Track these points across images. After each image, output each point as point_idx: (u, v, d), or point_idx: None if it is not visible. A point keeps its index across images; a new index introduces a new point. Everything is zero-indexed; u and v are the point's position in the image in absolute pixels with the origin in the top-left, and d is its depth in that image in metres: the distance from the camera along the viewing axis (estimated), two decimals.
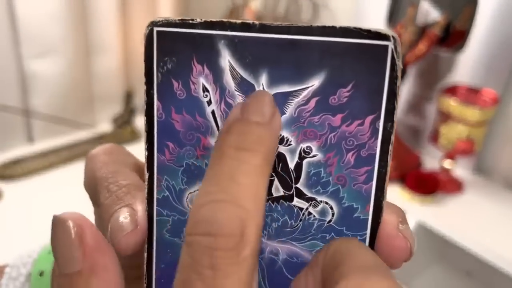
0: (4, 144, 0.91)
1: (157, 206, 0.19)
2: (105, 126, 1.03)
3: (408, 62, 0.82)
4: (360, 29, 0.16)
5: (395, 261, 0.17)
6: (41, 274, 0.26)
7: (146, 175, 0.19)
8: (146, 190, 0.19)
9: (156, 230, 0.19)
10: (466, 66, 0.82)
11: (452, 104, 0.74)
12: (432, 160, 0.88)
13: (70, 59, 0.92)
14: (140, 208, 0.19)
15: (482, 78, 0.80)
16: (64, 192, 0.79)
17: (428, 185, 0.77)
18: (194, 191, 0.18)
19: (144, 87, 0.18)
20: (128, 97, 1.01)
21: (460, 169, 0.86)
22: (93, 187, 0.21)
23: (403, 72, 0.83)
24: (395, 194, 0.79)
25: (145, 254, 0.19)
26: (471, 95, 0.78)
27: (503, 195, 0.81)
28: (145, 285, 0.19)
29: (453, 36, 0.83)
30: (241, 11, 1.09)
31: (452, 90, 0.78)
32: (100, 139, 0.97)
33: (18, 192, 0.78)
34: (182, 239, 0.18)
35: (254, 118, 0.16)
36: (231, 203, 0.14)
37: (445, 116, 0.76)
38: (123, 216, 0.18)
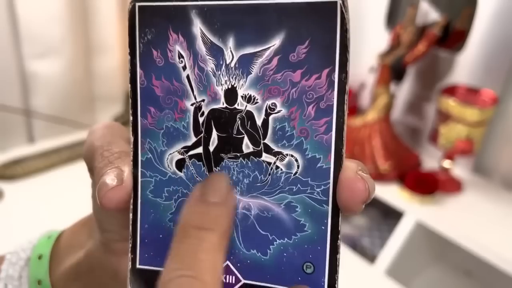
0: (5, 144, 0.91)
1: (141, 168, 0.20)
2: None
3: (407, 62, 0.82)
4: None
5: (355, 204, 0.18)
6: (40, 257, 0.27)
7: (132, 139, 0.20)
8: (131, 153, 0.20)
9: (140, 191, 0.20)
10: (465, 66, 0.82)
11: (451, 104, 0.75)
12: (431, 160, 0.88)
13: (71, 59, 0.92)
14: (127, 169, 0.20)
15: (481, 78, 0.80)
16: (64, 192, 0.79)
17: (427, 185, 0.78)
18: (173, 152, 0.20)
19: (128, 57, 0.20)
20: (129, 97, 1.01)
21: (459, 169, 0.86)
22: (90, 155, 0.22)
23: (403, 72, 0.84)
24: (394, 194, 0.79)
25: (131, 215, 0.20)
26: (470, 95, 0.78)
27: (502, 195, 0.81)
28: (130, 244, 0.21)
29: (453, 36, 0.83)
30: None
31: (451, 90, 0.79)
32: None
33: (19, 192, 0.79)
34: (164, 199, 0.20)
35: (211, 199, 0.18)
36: (194, 278, 0.16)
37: (444, 116, 0.76)
38: (111, 175, 0.20)
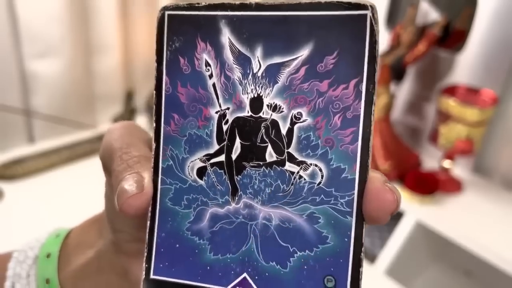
0: (5, 144, 0.91)
1: (161, 175, 0.20)
2: (105, 126, 1.03)
3: (407, 62, 0.82)
4: (341, 2, 0.18)
5: (383, 214, 0.18)
6: (48, 256, 0.26)
7: (153, 145, 0.20)
8: (152, 160, 0.20)
9: (159, 198, 0.20)
10: (465, 66, 0.82)
11: (451, 104, 0.75)
12: (431, 160, 0.88)
13: (71, 59, 0.92)
14: (147, 175, 0.20)
15: (481, 78, 0.80)
16: (64, 192, 0.79)
17: (428, 184, 0.78)
18: (195, 160, 0.20)
19: (155, 64, 0.20)
20: (129, 97, 1.01)
21: (459, 169, 0.86)
22: (108, 156, 0.22)
23: (403, 72, 0.84)
24: None
25: (148, 223, 0.20)
26: (470, 95, 0.78)
27: (502, 194, 0.81)
28: (145, 253, 0.20)
29: (453, 36, 0.83)
30: None
31: (451, 90, 0.79)
32: (101, 139, 0.97)
33: (19, 192, 0.79)
34: (183, 207, 0.20)
35: None
36: None
37: (444, 116, 0.76)
38: (131, 181, 0.20)
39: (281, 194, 0.19)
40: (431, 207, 0.76)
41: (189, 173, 0.20)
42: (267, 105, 0.19)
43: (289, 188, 0.19)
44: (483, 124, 0.75)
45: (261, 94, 0.19)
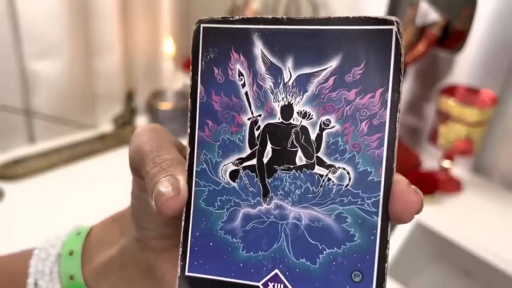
0: (5, 144, 0.91)
1: (196, 177, 0.21)
2: (106, 126, 1.03)
3: (407, 63, 0.82)
4: (369, 17, 0.19)
5: (409, 214, 0.19)
6: (71, 253, 0.27)
7: (188, 150, 0.21)
8: (187, 163, 0.21)
9: (193, 200, 0.21)
10: (465, 66, 0.82)
11: (451, 104, 0.75)
12: (431, 160, 0.88)
13: (71, 59, 0.92)
14: (182, 178, 0.21)
15: (480, 79, 0.81)
16: (65, 192, 0.79)
17: (427, 184, 0.78)
18: (228, 163, 0.21)
19: (190, 74, 0.21)
20: (129, 97, 1.01)
21: (459, 169, 0.86)
22: (138, 158, 0.23)
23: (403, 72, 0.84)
24: None
25: (183, 223, 0.21)
26: (469, 95, 0.78)
27: (502, 194, 0.81)
28: (180, 251, 0.21)
29: (452, 36, 0.83)
30: (241, 11, 1.09)
31: (451, 91, 0.79)
32: (101, 139, 0.97)
33: (19, 192, 0.79)
34: (216, 208, 0.21)
35: None
36: None
37: (444, 116, 0.77)
38: (168, 183, 0.21)
39: (311, 195, 0.20)
40: (431, 207, 0.76)
41: (222, 176, 0.21)
42: (297, 112, 0.20)
43: (318, 190, 0.20)
44: (483, 124, 0.75)
45: (291, 102, 0.20)
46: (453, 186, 0.81)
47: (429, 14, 0.84)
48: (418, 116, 0.93)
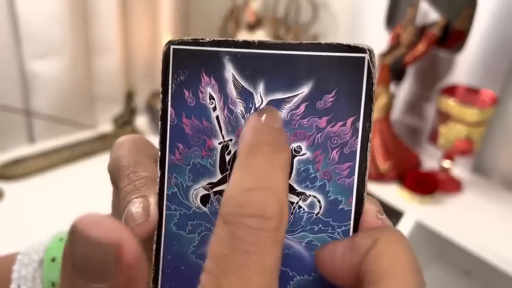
0: (5, 144, 0.91)
1: (166, 201, 0.21)
2: (106, 126, 1.03)
3: (407, 63, 0.82)
4: (341, 44, 0.18)
5: None
6: (53, 260, 0.27)
7: (159, 173, 0.21)
8: (157, 186, 0.21)
9: (165, 223, 0.21)
10: (465, 66, 0.82)
11: (451, 104, 0.75)
12: (431, 160, 0.88)
13: (71, 59, 0.92)
14: (153, 201, 0.21)
15: (480, 79, 0.81)
16: (65, 192, 0.79)
17: (427, 185, 0.78)
18: (199, 188, 0.21)
19: (160, 96, 0.21)
20: (129, 97, 1.01)
21: (459, 169, 0.86)
22: (115, 171, 0.23)
23: (402, 72, 0.84)
24: (394, 194, 0.79)
25: (154, 246, 0.21)
26: (470, 95, 0.78)
27: (502, 194, 0.81)
28: (152, 275, 0.21)
29: (452, 36, 0.83)
30: (241, 11, 1.09)
31: (451, 90, 0.79)
32: (101, 139, 0.97)
33: (19, 192, 0.79)
34: (187, 232, 0.21)
35: (277, 125, 0.18)
36: (272, 191, 0.16)
37: (444, 116, 0.77)
38: (137, 206, 0.20)
39: None
40: (431, 207, 0.76)
41: (193, 200, 0.21)
42: None
43: (289, 217, 0.20)
44: (483, 124, 0.75)
45: None
46: (453, 186, 0.81)
47: (429, 14, 0.84)
48: (418, 116, 0.93)
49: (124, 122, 1.00)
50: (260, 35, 1.05)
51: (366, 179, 0.19)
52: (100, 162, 0.89)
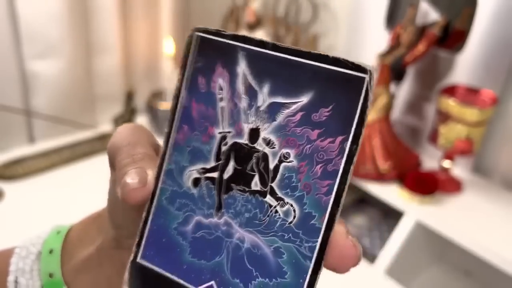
0: (5, 144, 0.91)
1: (163, 175, 0.22)
2: (106, 126, 1.03)
3: (407, 63, 0.82)
4: (346, 60, 0.19)
5: (344, 268, 0.19)
6: (51, 252, 0.28)
7: (162, 147, 0.22)
8: (159, 160, 0.22)
9: (157, 195, 0.22)
10: (465, 66, 0.82)
11: (451, 104, 0.75)
12: (431, 160, 0.88)
13: (71, 59, 0.92)
14: (151, 172, 0.22)
15: (481, 79, 0.81)
16: (65, 192, 0.79)
17: (427, 185, 0.78)
18: (193, 170, 0.22)
19: (178, 76, 0.22)
20: (129, 97, 1.02)
21: (459, 169, 0.86)
22: (113, 151, 0.24)
23: (403, 72, 0.84)
24: (394, 194, 0.79)
25: (144, 213, 0.22)
26: (470, 95, 0.78)
27: (502, 195, 0.81)
28: (137, 239, 0.22)
29: (452, 36, 0.83)
30: (241, 11, 1.09)
31: (451, 90, 0.79)
32: (101, 139, 0.97)
33: (19, 192, 0.79)
34: (175, 208, 0.22)
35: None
36: None
37: (444, 116, 0.77)
38: (135, 175, 0.21)
39: (257, 222, 0.20)
40: (431, 207, 0.76)
41: (185, 180, 0.22)
42: (263, 139, 0.20)
43: (265, 219, 0.20)
44: (483, 124, 0.75)
45: (259, 127, 0.20)
46: (453, 186, 0.81)
47: (429, 14, 0.84)
48: (418, 116, 0.93)
49: (124, 122, 1.00)
50: (260, 35, 1.05)
51: (342, 200, 0.19)
52: (100, 162, 0.89)
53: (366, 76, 0.18)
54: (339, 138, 0.19)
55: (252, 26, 1.07)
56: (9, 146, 0.91)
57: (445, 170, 0.82)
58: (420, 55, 0.81)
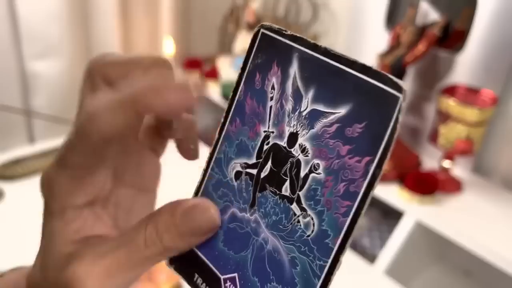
0: (5, 144, 0.91)
1: (213, 162, 0.23)
2: None
3: (407, 63, 0.82)
4: (386, 75, 0.18)
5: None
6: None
7: (216, 136, 0.23)
8: (212, 147, 0.23)
9: (206, 180, 0.23)
10: (465, 66, 0.82)
11: (451, 104, 0.75)
12: (431, 160, 0.88)
13: (71, 59, 0.92)
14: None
15: (481, 79, 0.81)
16: None
17: (427, 185, 0.78)
18: (237, 163, 0.22)
19: (239, 71, 0.23)
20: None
21: (459, 169, 0.86)
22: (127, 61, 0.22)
23: (403, 72, 0.84)
24: (394, 194, 0.79)
25: (193, 194, 0.24)
26: (470, 95, 0.78)
27: (502, 194, 0.81)
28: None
29: (452, 36, 0.83)
30: (241, 11, 1.09)
31: (451, 90, 0.79)
32: None
33: (19, 192, 0.79)
34: (216, 196, 0.23)
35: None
36: None
37: (444, 116, 0.77)
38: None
39: (281, 227, 0.20)
40: (431, 207, 0.76)
41: (230, 172, 0.22)
42: (299, 145, 0.20)
43: (288, 226, 0.20)
44: (483, 124, 0.75)
45: (298, 132, 0.20)
46: (453, 186, 0.81)
47: (429, 14, 0.84)
48: (418, 116, 0.93)
49: None
50: None
51: (356, 225, 0.18)
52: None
53: (401, 96, 0.17)
54: (366, 159, 0.18)
55: (252, 26, 1.07)
56: (9, 146, 0.91)
57: (445, 170, 0.82)
58: (420, 55, 0.81)
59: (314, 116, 0.20)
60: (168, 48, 1.01)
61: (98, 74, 0.21)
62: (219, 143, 0.23)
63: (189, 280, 0.23)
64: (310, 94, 0.20)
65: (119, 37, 1.00)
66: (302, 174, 0.20)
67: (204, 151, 0.24)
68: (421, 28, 0.83)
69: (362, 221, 0.19)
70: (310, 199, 0.20)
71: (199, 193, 0.23)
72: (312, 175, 0.20)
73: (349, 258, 0.72)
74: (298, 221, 0.20)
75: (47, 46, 0.89)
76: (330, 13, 1.03)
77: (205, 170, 0.23)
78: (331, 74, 0.19)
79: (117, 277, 0.20)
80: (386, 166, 0.18)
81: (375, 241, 0.81)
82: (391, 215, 0.83)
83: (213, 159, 0.23)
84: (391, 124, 0.18)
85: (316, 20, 1.04)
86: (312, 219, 0.19)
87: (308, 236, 0.19)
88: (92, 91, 0.21)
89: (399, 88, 0.18)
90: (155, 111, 0.20)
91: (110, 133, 0.19)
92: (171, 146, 0.26)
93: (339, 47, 1.04)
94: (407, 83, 0.91)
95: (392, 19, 0.92)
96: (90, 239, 0.22)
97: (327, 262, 0.19)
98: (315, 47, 0.20)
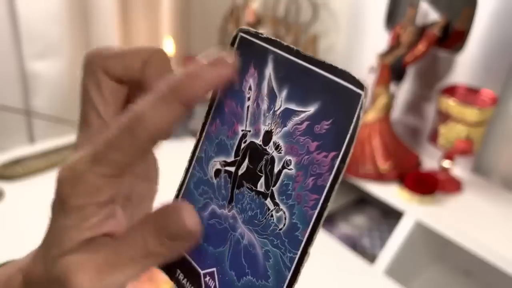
0: (5, 144, 0.91)
1: (194, 161, 0.24)
2: None
3: (407, 63, 0.82)
4: (350, 74, 0.19)
5: None
6: None
7: (197, 136, 0.24)
8: (193, 147, 0.24)
9: (188, 178, 0.24)
10: (465, 66, 0.82)
11: (451, 104, 0.75)
12: (431, 160, 0.88)
13: (71, 59, 0.92)
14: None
15: (481, 78, 0.81)
16: None
17: (427, 185, 0.78)
18: (216, 161, 0.23)
19: None
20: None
21: (459, 169, 0.86)
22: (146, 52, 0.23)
23: (403, 72, 0.84)
24: (394, 194, 0.80)
25: (175, 192, 0.24)
26: (470, 95, 0.78)
27: (502, 194, 0.81)
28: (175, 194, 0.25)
29: (452, 36, 0.83)
30: (241, 11, 1.09)
31: (451, 90, 0.79)
32: None
33: (19, 192, 0.79)
34: (198, 193, 0.23)
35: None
36: None
37: (444, 116, 0.77)
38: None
39: (256, 221, 0.21)
40: (431, 207, 0.76)
41: (210, 170, 0.23)
42: (273, 142, 0.21)
43: (262, 221, 0.21)
44: (483, 124, 0.75)
45: (272, 131, 0.21)
46: (453, 186, 0.81)
47: (429, 14, 0.84)
48: (418, 116, 0.93)
49: None
50: None
51: (323, 218, 0.19)
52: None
53: (362, 93, 0.18)
54: (332, 154, 0.19)
55: (252, 26, 1.07)
56: (9, 146, 0.91)
57: (445, 170, 0.82)
58: (420, 55, 0.81)
59: (287, 114, 0.21)
60: (168, 48, 1.01)
61: (100, 68, 0.22)
62: (201, 142, 0.24)
63: (171, 276, 0.24)
64: (284, 94, 0.21)
65: (119, 37, 1.00)
66: (276, 170, 0.21)
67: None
68: (421, 28, 0.83)
69: (326, 213, 0.19)
70: (283, 194, 0.20)
71: (181, 191, 0.24)
72: (284, 171, 0.20)
73: (349, 258, 0.72)
74: (272, 216, 0.21)
75: (47, 46, 0.89)
76: (330, 13, 1.03)
77: (187, 169, 0.24)
78: (302, 74, 0.20)
79: (107, 275, 0.20)
80: (348, 160, 0.19)
81: (375, 241, 0.81)
82: (391, 215, 0.83)
83: (195, 158, 0.24)
84: (354, 120, 0.19)
85: (316, 20, 1.04)
86: (284, 213, 0.20)
87: (280, 229, 0.20)
88: (98, 86, 0.22)
89: (361, 86, 0.19)
90: (199, 95, 0.20)
91: (158, 131, 0.20)
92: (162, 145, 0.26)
93: (339, 47, 1.04)
94: (407, 84, 0.91)
95: (392, 19, 0.92)
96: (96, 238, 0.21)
97: (296, 254, 0.20)
98: (288, 49, 0.21)
